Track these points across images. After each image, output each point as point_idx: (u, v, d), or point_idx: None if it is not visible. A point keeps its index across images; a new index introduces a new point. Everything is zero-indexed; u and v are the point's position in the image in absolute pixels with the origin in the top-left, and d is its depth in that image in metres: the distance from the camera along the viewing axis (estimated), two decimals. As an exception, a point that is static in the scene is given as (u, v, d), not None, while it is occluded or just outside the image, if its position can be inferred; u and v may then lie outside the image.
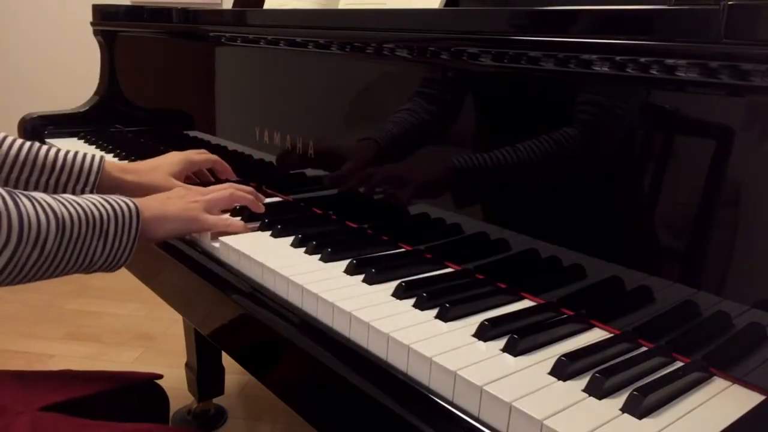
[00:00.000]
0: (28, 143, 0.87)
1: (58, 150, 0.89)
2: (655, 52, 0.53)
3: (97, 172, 0.89)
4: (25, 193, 0.63)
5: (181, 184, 0.93)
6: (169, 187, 0.89)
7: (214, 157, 1.03)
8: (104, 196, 0.71)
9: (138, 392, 0.87)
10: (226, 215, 0.85)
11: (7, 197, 0.60)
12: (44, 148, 0.88)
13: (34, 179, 0.87)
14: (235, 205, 0.87)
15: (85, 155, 0.90)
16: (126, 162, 1.06)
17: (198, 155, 1.01)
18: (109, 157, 1.26)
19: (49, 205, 0.63)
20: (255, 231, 0.83)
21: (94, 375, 0.86)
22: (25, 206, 0.60)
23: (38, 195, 0.64)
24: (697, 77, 0.52)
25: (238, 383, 1.77)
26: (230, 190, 0.86)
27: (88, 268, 0.69)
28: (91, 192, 0.89)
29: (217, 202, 0.83)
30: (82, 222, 0.65)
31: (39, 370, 0.87)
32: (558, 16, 0.61)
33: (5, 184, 0.85)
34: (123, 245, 0.70)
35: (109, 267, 0.71)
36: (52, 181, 0.88)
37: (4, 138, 0.86)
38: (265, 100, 1.05)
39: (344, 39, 0.85)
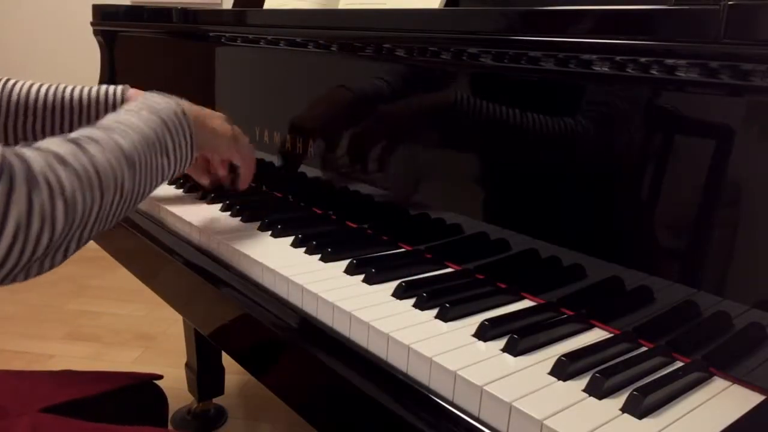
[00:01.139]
0: (38, 85, 0.85)
1: (72, 88, 0.87)
2: (655, 52, 0.53)
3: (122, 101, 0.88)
4: (87, 135, 0.60)
5: None
6: None
7: (252, 158, 0.91)
8: (149, 105, 0.70)
9: (137, 393, 0.87)
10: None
11: (78, 150, 0.57)
12: (57, 88, 0.86)
13: (56, 124, 0.86)
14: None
15: (107, 90, 0.89)
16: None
17: (244, 144, 0.90)
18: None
19: (117, 144, 0.61)
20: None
21: (93, 375, 0.85)
22: (95, 156, 0.58)
23: (97, 134, 0.61)
24: (697, 77, 0.52)
25: (238, 383, 1.76)
26: (252, 163, 0.89)
27: (165, 179, 0.70)
28: None
29: (244, 155, 0.87)
30: (145, 149, 0.64)
31: (39, 371, 0.87)
32: (558, 16, 0.61)
33: (23, 133, 0.84)
34: (184, 149, 0.71)
35: (180, 171, 0.73)
36: (76, 123, 0.86)
37: (9, 81, 0.84)
38: (265, 100, 1.05)
39: (344, 39, 0.85)
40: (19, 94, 0.84)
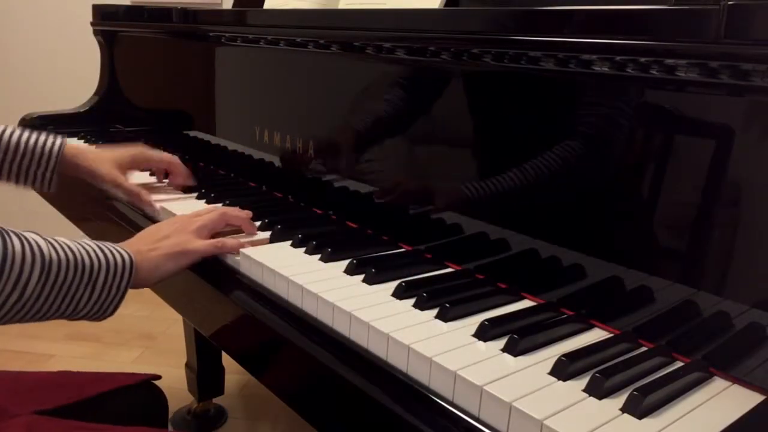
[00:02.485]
0: None
1: (22, 132, 0.93)
2: (655, 52, 0.53)
3: (57, 156, 0.94)
4: (18, 232, 0.60)
5: (122, 180, 0.96)
6: (111, 180, 0.95)
7: (171, 157, 1.03)
8: (100, 244, 0.68)
9: (136, 394, 0.87)
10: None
11: None
12: (6, 130, 0.92)
13: None
14: (228, 225, 0.82)
15: (46, 139, 0.94)
16: (85, 145, 1.12)
17: (154, 152, 1.03)
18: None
19: (38, 246, 0.60)
20: (257, 245, 0.78)
21: (92, 376, 0.85)
22: (12, 244, 0.58)
23: (30, 234, 0.62)
24: (697, 77, 0.52)
25: (238, 383, 1.76)
26: (222, 210, 0.82)
27: (72, 316, 0.65)
28: (51, 175, 0.95)
29: (207, 224, 0.78)
30: (69, 267, 0.63)
31: (36, 371, 0.87)
32: (558, 16, 0.61)
33: None
34: (111, 296, 0.68)
35: (95, 316, 0.68)
36: (14, 166, 0.92)
37: None
38: (265, 100, 1.05)
39: (344, 39, 0.85)
40: None
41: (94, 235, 1.14)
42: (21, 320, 0.61)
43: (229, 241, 0.78)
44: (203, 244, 0.76)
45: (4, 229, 0.60)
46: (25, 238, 0.60)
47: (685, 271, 0.55)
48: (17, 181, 0.95)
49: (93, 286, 0.65)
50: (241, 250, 0.75)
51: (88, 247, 0.66)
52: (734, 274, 0.52)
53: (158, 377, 0.90)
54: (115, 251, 0.68)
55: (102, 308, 0.68)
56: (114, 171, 0.97)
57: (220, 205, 0.93)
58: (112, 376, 0.86)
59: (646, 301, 0.57)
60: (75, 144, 0.99)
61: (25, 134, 0.94)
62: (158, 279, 0.74)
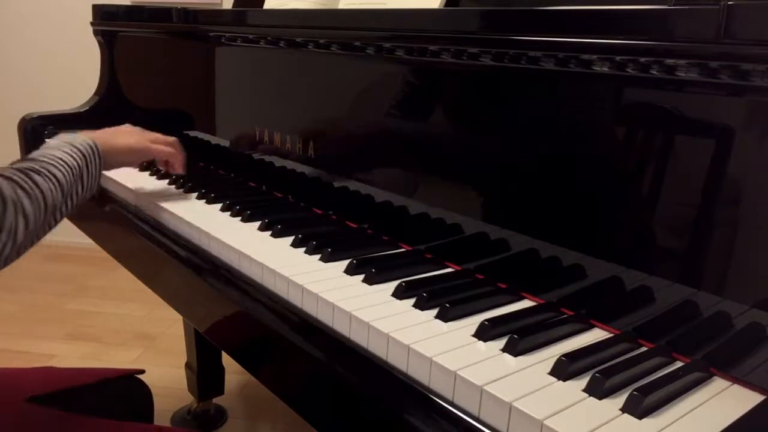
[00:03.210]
0: None
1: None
2: (655, 52, 0.53)
3: None
4: (30, 168, 0.75)
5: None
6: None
7: (172, 145, 1.04)
8: (71, 142, 0.85)
9: (120, 387, 0.89)
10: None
11: (29, 180, 0.73)
12: None
13: None
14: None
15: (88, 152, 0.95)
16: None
17: (159, 149, 1.02)
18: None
19: (53, 176, 0.77)
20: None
21: (75, 371, 0.88)
22: (41, 185, 0.74)
23: (38, 167, 0.76)
24: (697, 77, 0.52)
25: (238, 383, 1.76)
26: (174, 139, 1.03)
27: (78, 201, 0.82)
28: None
29: (159, 138, 1.01)
30: (70, 177, 0.79)
31: (20, 368, 0.89)
32: (558, 16, 0.61)
33: None
34: (93, 179, 0.86)
35: (89, 192, 0.86)
36: None
37: None
38: (265, 100, 1.05)
39: (344, 39, 0.85)
40: None
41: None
42: (57, 222, 0.80)
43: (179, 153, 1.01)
44: (157, 147, 1.00)
45: (24, 170, 0.74)
46: (39, 173, 0.75)
47: (685, 271, 0.55)
48: None
49: (81, 180, 0.83)
50: (242, 249, 0.75)
51: (68, 150, 0.83)
52: (734, 274, 0.52)
53: (142, 371, 0.92)
54: (85, 145, 0.87)
55: (92, 186, 0.86)
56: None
57: (220, 205, 0.93)
58: (93, 371, 0.89)
59: (646, 301, 0.57)
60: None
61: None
62: (117, 165, 0.95)
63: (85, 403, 0.81)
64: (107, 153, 0.91)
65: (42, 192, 0.74)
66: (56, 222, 0.80)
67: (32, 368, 0.88)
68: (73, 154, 0.83)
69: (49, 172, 0.77)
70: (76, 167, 0.82)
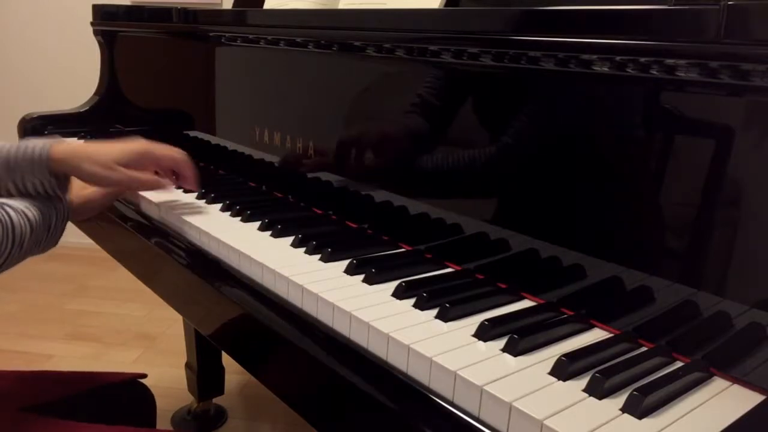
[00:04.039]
0: None
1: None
2: (655, 52, 0.53)
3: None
4: (4, 201, 0.72)
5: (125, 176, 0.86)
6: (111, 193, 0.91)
7: (179, 154, 0.89)
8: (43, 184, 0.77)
9: (122, 392, 0.87)
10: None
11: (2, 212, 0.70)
12: None
13: None
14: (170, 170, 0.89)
15: (32, 148, 0.82)
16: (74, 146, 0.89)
17: (161, 149, 0.88)
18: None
19: (23, 212, 0.73)
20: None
21: (75, 375, 0.85)
22: (9, 215, 0.71)
23: (12, 202, 0.73)
24: (697, 77, 0.52)
25: (238, 383, 1.76)
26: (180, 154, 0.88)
27: (33, 252, 0.77)
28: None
29: (161, 151, 0.87)
30: (38, 222, 0.74)
31: (19, 370, 0.87)
32: (558, 16, 0.61)
33: None
34: (58, 232, 0.80)
35: (47, 245, 0.79)
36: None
37: None
38: (265, 100, 1.05)
39: (344, 39, 0.85)
40: None
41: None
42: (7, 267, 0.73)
43: (150, 178, 0.87)
44: (119, 176, 0.83)
45: (3, 203, 0.71)
46: (14, 208, 0.72)
47: (685, 271, 0.55)
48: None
49: (48, 228, 0.77)
50: (242, 249, 0.74)
51: (45, 201, 0.78)
52: (734, 274, 0.52)
53: (144, 375, 0.90)
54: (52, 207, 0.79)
55: (50, 241, 0.79)
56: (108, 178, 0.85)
57: (219, 205, 0.92)
58: (97, 374, 0.86)
59: (646, 301, 0.57)
60: (61, 151, 0.81)
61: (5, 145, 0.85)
62: (88, 176, 0.82)
63: (85, 409, 0.79)
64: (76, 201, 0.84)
65: (13, 223, 0.71)
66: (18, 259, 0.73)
67: (31, 372, 0.86)
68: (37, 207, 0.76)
69: (21, 209, 0.73)
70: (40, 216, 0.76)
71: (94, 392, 0.82)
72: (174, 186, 0.92)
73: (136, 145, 0.86)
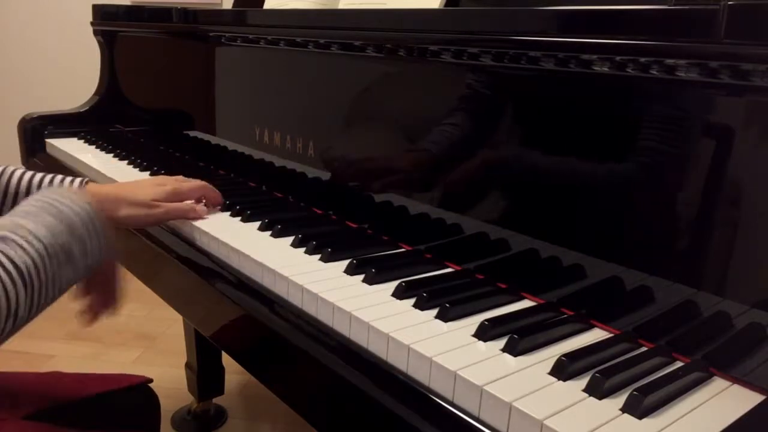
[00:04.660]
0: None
1: (32, 176, 0.83)
2: (655, 52, 0.53)
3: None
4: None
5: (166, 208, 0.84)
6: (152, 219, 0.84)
7: (203, 187, 0.89)
8: (55, 207, 0.62)
9: (127, 396, 0.86)
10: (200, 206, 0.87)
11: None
12: (7, 171, 0.82)
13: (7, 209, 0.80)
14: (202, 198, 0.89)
15: (63, 180, 0.84)
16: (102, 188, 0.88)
17: (188, 185, 0.87)
18: (102, 159, 1.26)
19: (8, 258, 0.55)
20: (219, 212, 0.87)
21: (80, 378, 0.84)
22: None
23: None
24: (697, 77, 0.52)
25: (238, 383, 1.76)
26: (203, 183, 0.88)
27: (66, 290, 0.64)
28: None
29: (187, 186, 0.85)
30: (45, 261, 0.58)
31: (26, 372, 0.86)
32: (558, 16, 0.61)
33: None
34: (94, 258, 0.65)
35: (85, 276, 0.67)
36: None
37: None
38: (265, 100, 1.05)
39: (344, 39, 0.85)
40: None
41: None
42: (16, 332, 0.60)
43: (192, 207, 0.85)
44: (164, 209, 0.81)
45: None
46: None
47: (685, 271, 0.55)
48: None
49: (73, 262, 0.62)
50: (242, 249, 0.74)
51: (48, 222, 0.60)
52: (734, 274, 0.52)
53: (150, 380, 0.89)
54: (73, 211, 0.63)
55: (89, 268, 0.65)
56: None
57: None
58: (101, 377, 0.85)
59: (646, 301, 0.57)
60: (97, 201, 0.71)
61: (35, 177, 0.83)
62: (124, 225, 0.79)
63: (92, 414, 0.78)
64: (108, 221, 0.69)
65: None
66: (30, 315, 0.60)
67: (36, 374, 0.84)
68: (56, 229, 0.61)
69: (7, 258, 0.56)
70: (57, 248, 0.60)
71: (101, 396, 0.81)
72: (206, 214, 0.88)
73: (167, 185, 0.84)
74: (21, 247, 0.57)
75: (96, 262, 0.66)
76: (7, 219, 0.60)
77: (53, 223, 0.61)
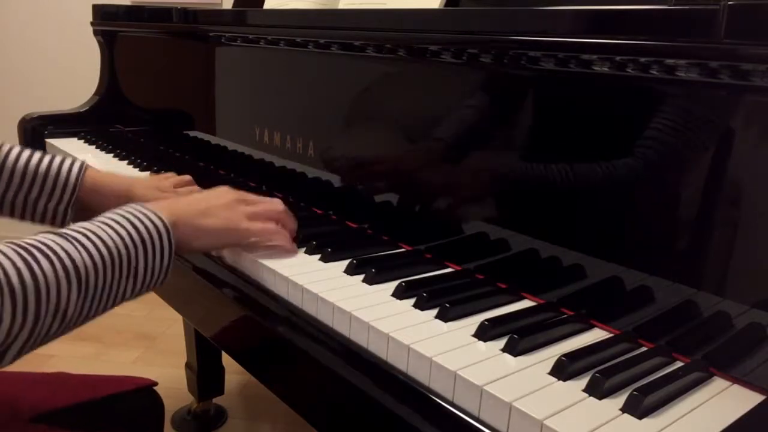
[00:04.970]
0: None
1: (29, 155, 0.79)
2: (655, 52, 0.53)
3: (74, 188, 0.79)
4: (39, 242, 0.53)
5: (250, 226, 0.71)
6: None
7: (282, 207, 0.75)
8: (131, 221, 0.60)
9: (133, 399, 0.85)
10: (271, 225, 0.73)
11: (21, 262, 0.50)
12: (12, 152, 0.78)
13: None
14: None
15: (61, 164, 0.80)
16: (108, 175, 0.86)
17: (264, 206, 0.74)
18: (102, 159, 1.26)
19: (69, 257, 0.53)
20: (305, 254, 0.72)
21: (87, 380, 0.83)
22: (42, 270, 0.51)
23: (52, 241, 0.54)
24: (697, 77, 0.52)
25: (238, 383, 1.77)
26: (282, 207, 0.73)
27: (118, 304, 0.62)
28: (67, 207, 0.79)
29: (261, 214, 0.71)
30: (107, 268, 0.56)
31: (31, 372, 0.85)
32: (558, 16, 0.61)
33: None
34: (156, 274, 0.62)
35: (140, 295, 0.64)
36: (20, 197, 0.77)
37: None
38: (265, 100, 1.05)
39: (344, 39, 0.85)
40: None
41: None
42: (64, 333, 0.58)
43: (283, 233, 0.72)
44: (256, 227, 0.70)
45: (25, 247, 0.52)
46: (53, 252, 0.53)
47: (685, 271, 0.55)
48: (22, 216, 0.80)
49: (135, 276, 0.59)
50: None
51: (120, 231, 0.58)
52: (734, 274, 0.52)
53: (155, 383, 0.89)
54: (150, 226, 0.61)
55: (148, 287, 0.63)
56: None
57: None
58: (107, 380, 0.85)
59: (646, 301, 0.57)
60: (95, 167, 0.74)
61: (33, 157, 0.78)
62: (197, 250, 0.71)
63: (96, 416, 0.78)
64: (184, 242, 0.65)
65: (38, 283, 0.51)
66: (79, 322, 0.57)
67: (42, 375, 0.83)
68: (126, 237, 0.58)
69: (66, 254, 0.54)
70: (122, 257, 0.58)
71: (106, 399, 0.80)
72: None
73: (227, 224, 0.71)
74: (85, 248, 0.55)
75: (158, 281, 0.63)
76: (82, 224, 0.59)
77: (124, 234, 0.59)
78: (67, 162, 0.81)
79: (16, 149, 0.80)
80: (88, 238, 0.56)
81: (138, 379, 0.87)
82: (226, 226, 0.68)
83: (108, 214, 0.61)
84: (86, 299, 0.55)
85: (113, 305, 0.60)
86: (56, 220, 0.80)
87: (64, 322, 0.55)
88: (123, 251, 0.58)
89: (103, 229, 0.58)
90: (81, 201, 0.81)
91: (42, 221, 0.80)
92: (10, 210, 0.79)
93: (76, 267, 0.54)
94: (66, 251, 0.54)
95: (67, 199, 0.79)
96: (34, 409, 0.72)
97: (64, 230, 0.57)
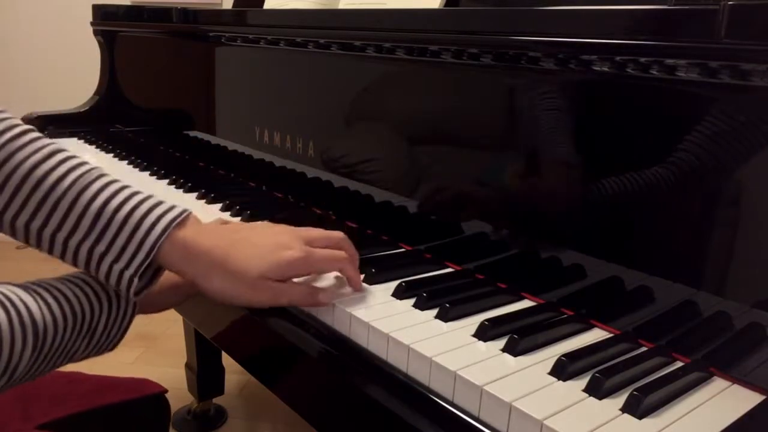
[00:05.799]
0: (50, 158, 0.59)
1: (113, 192, 0.59)
2: (655, 52, 0.53)
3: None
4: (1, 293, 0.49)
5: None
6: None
7: (347, 254, 0.64)
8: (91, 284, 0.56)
9: (142, 405, 0.85)
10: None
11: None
12: (84, 177, 0.60)
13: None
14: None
15: (161, 216, 0.58)
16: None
17: (324, 253, 0.62)
18: (102, 159, 1.26)
19: (28, 311, 0.49)
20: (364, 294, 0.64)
21: (99, 383, 0.83)
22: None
23: (12, 293, 0.50)
24: (697, 77, 0.52)
25: (238, 383, 1.76)
26: (346, 254, 0.62)
27: (65, 364, 0.56)
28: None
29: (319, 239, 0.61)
30: (68, 326, 0.52)
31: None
32: (558, 16, 0.61)
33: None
34: (112, 336, 0.59)
35: (95, 354, 0.60)
36: (86, 245, 0.57)
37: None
38: (265, 100, 1.05)
39: (344, 39, 0.85)
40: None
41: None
42: (4, 391, 0.51)
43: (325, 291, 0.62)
44: (297, 292, 0.60)
45: None
46: (11, 304, 0.48)
47: (685, 271, 0.55)
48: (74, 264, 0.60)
49: (91, 335, 0.56)
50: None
51: (85, 288, 0.55)
52: (734, 274, 0.52)
53: (165, 390, 0.89)
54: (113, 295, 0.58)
55: (99, 349, 0.59)
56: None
57: (220, 205, 0.87)
58: (119, 384, 0.84)
59: (646, 301, 0.57)
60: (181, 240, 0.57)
61: (118, 195, 0.60)
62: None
63: (104, 421, 0.78)
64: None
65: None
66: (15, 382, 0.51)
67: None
68: (90, 294, 0.55)
69: (26, 306, 0.49)
70: (86, 315, 0.54)
71: (117, 405, 0.80)
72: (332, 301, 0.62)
73: (292, 250, 0.59)
74: (46, 303, 0.51)
75: (111, 345, 0.61)
76: (45, 280, 0.54)
77: (89, 291, 0.56)
78: (167, 209, 0.59)
79: (91, 173, 0.62)
80: (53, 293, 0.52)
81: (148, 385, 0.86)
82: (233, 291, 0.58)
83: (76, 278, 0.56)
84: (39, 355, 0.51)
85: (62, 364, 0.56)
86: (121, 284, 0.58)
87: (10, 380, 0.49)
88: (88, 310, 0.55)
89: (70, 285, 0.55)
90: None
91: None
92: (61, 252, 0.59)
93: (33, 321, 0.49)
94: (26, 305, 0.49)
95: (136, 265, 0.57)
96: (46, 415, 0.72)
97: (28, 282, 0.53)
